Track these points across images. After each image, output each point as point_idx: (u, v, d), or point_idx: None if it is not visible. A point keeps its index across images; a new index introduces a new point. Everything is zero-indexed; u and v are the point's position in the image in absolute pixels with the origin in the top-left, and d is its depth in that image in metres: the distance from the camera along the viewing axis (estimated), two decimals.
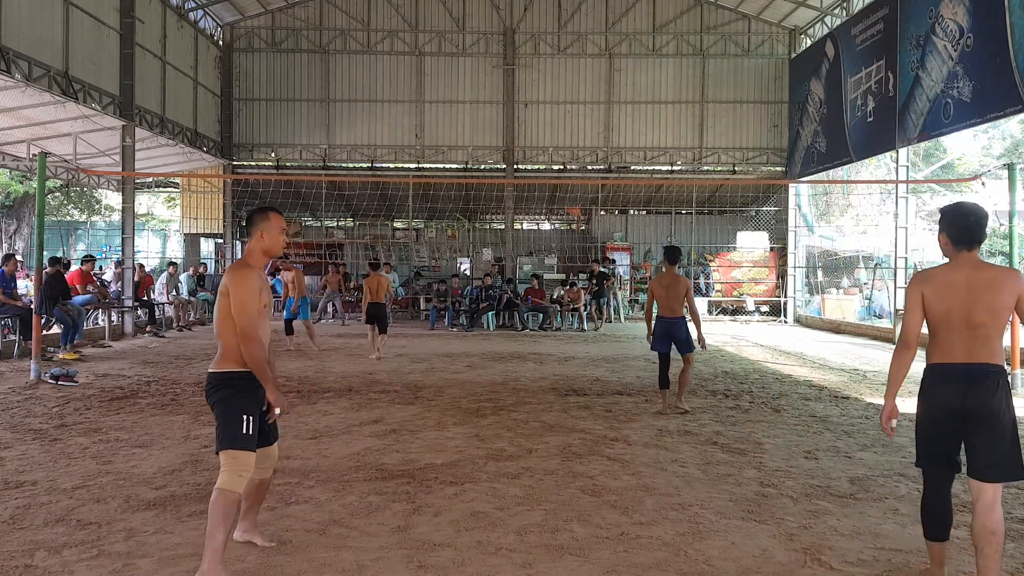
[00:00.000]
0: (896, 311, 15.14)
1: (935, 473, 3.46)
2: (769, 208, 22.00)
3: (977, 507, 3.27)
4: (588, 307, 17.76)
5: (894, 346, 3.54)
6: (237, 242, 21.87)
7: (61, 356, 11.03)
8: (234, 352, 3.53)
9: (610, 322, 18.97)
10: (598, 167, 21.15)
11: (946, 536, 3.44)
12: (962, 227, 3.39)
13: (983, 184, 16.84)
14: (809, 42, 19.82)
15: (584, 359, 11.90)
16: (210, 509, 3.38)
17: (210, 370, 3.59)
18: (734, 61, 20.84)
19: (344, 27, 20.70)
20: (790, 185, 20.25)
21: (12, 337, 11.41)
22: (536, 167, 21.43)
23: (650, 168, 21.21)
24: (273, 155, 21.09)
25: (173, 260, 21.84)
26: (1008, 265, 10.22)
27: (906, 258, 15.68)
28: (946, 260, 3.51)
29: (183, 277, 17.64)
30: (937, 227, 3.51)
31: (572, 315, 17.57)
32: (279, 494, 4.71)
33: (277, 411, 3.64)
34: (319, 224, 23.07)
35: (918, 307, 3.41)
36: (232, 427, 3.48)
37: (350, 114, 20.89)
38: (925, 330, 3.51)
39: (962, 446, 3.40)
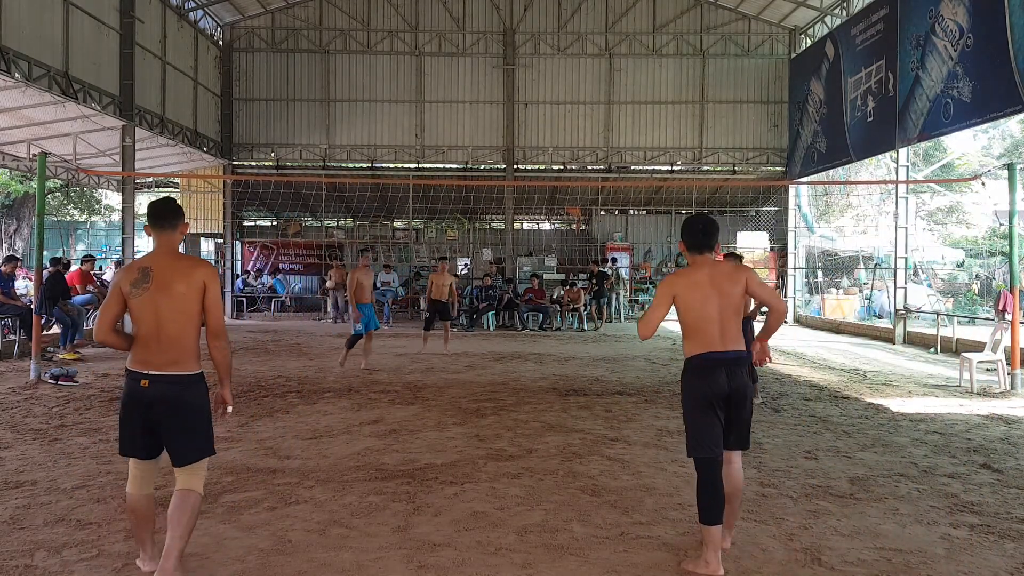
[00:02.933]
0: (896, 311, 15.14)
1: (715, 456, 3.69)
2: (769, 208, 21.99)
3: (732, 470, 3.80)
4: (588, 307, 17.76)
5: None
6: (237, 242, 21.88)
7: (61, 356, 11.03)
8: (197, 352, 3.41)
9: (610, 322, 18.98)
10: (598, 167, 21.14)
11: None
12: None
13: (983, 184, 16.90)
14: (809, 42, 19.81)
15: (584, 359, 11.90)
16: (191, 511, 3.31)
17: (178, 372, 3.32)
18: (734, 61, 20.83)
19: (344, 27, 20.70)
20: (790, 185, 20.25)
21: (12, 337, 11.41)
22: (536, 167, 21.42)
23: (650, 168, 21.20)
24: (273, 155, 21.07)
25: None
26: (1009, 265, 10.22)
27: (906, 258, 15.68)
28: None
29: None
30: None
31: (572, 315, 17.57)
32: (279, 494, 4.71)
33: (230, 409, 3.59)
34: (319, 224, 23.06)
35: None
36: (209, 433, 3.45)
37: (350, 114, 20.88)
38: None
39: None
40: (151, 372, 3.28)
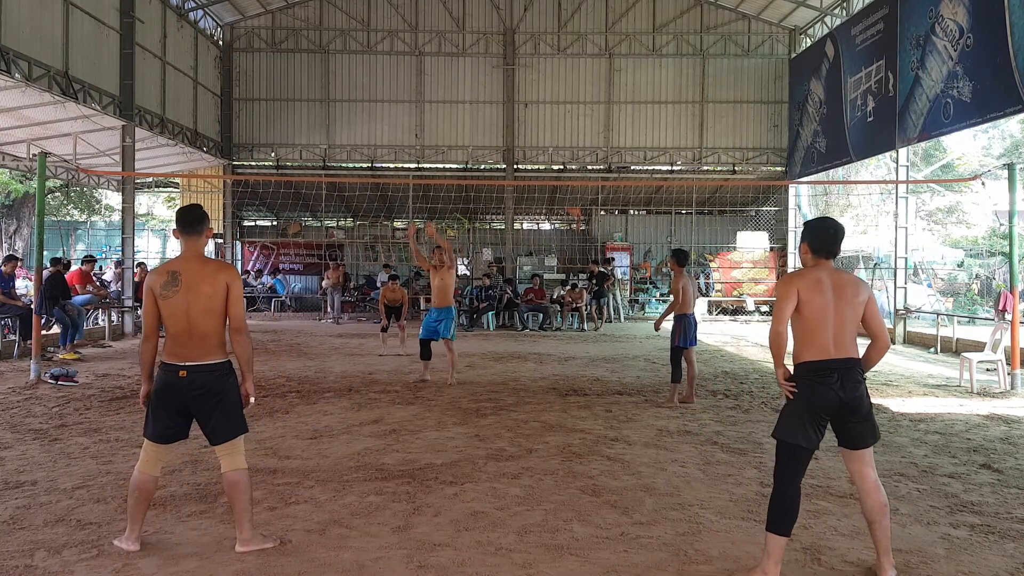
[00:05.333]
0: (896, 311, 15.14)
1: (800, 445, 3.52)
2: (769, 208, 21.98)
3: (867, 486, 3.56)
4: (588, 307, 17.76)
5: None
6: (237, 242, 21.88)
7: (61, 356, 11.03)
8: (223, 343, 3.78)
9: (610, 322, 18.97)
10: (598, 167, 21.15)
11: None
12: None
13: (983, 184, 16.89)
14: (809, 42, 19.81)
15: (584, 359, 11.90)
16: (243, 487, 3.74)
17: (211, 361, 3.71)
18: (734, 61, 20.83)
19: (344, 27, 20.70)
20: (790, 185, 20.25)
21: (12, 337, 11.41)
22: (536, 167, 21.43)
23: (650, 168, 21.21)
24: (273, 155, 21.08)
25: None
26: (1009, 265, 10.23)
27: (906, 258, 15.69)
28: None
29: None
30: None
31: (572, 315, 17.58)
32: (279, 494, 4.71)
33: (252, 400, 3.93)
34: (319, 224, 23.06)
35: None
36: (242, 413, 3.83)
37: (350, 114, 20.88)
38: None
39: None
40: (187, 363, 3.67)
